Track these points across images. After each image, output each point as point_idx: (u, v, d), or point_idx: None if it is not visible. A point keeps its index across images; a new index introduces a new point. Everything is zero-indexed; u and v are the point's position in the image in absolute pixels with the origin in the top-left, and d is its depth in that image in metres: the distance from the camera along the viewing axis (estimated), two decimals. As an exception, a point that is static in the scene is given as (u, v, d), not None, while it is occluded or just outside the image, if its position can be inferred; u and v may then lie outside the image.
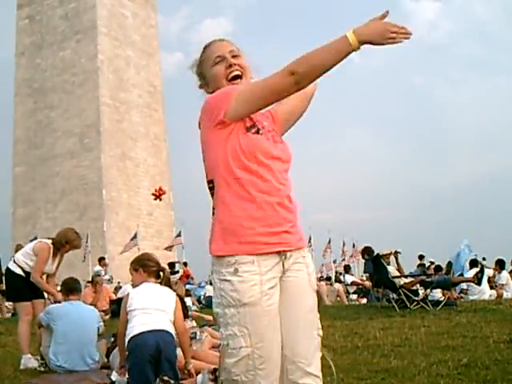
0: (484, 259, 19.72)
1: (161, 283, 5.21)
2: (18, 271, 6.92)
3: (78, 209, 41.12)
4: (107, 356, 6.34)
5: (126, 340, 4.80)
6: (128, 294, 5.04)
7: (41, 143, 43.50)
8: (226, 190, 2.41)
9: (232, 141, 2.41)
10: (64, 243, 7.03)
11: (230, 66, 2.53)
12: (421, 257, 20.37)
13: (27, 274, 6.91)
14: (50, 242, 7.00)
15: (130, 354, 4.76)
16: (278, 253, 2.42)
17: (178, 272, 17.81)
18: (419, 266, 18.96)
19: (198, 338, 6.25)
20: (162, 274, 5.32)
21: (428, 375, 5.02)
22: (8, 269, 7.05)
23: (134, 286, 5.25)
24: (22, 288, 6.90)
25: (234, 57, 2.56)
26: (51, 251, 6.95)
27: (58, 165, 42.60)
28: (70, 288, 6.76)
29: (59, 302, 6.74)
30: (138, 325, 4.76)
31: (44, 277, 7.06)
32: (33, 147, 43.73)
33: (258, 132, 2.44)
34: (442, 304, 10.94)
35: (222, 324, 2.40)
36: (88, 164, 41.57)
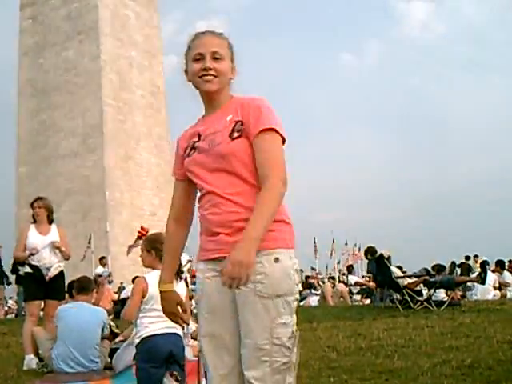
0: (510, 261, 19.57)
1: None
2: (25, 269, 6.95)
3: (81, 209, 41.06)
4: (110, 357, 6.33)
5: (137, 337, 4.69)
6: (145, 280, 4.75)
7: (44, 143, 43.42)
8: None
9: None
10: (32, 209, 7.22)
11: (205, 69, 2.50)
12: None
13: (36, 269, 6.91)
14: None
15: (141, 356, 4.67)
16: (218, 259, 2.41)
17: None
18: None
19: None
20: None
21: (432, 376, 5.01)
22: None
23: (146, 266, 5.07)
24: (30, 286, 6.96)
25: (215, 59, 2.50)
26: (27, 228, 7.12)
27: (61, 165, 42.53)
28: (78, 288, 6.77)
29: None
30: (150, 325, 4.60)
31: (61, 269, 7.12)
32: (36, 147, 43.66)
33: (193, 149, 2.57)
34: (446, 304, 10.91)
35: None
36: (91, 164, 41.51)
